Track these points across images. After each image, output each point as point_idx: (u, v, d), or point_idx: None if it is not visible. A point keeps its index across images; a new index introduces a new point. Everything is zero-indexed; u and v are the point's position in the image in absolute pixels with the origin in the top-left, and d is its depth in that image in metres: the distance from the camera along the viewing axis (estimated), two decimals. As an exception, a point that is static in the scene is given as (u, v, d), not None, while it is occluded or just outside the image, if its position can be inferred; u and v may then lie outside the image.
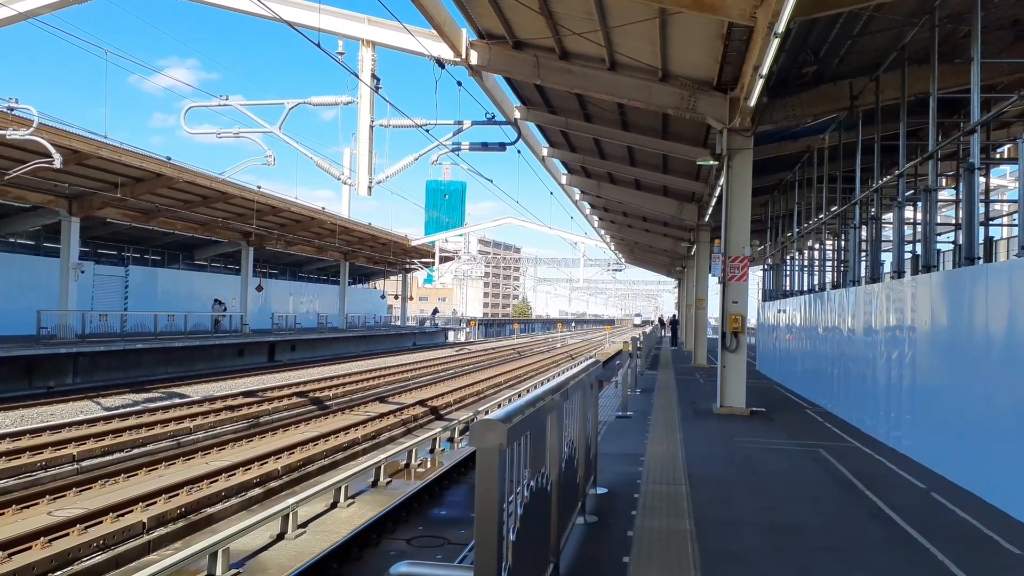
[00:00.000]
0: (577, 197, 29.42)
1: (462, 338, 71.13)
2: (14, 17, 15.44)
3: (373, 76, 14.06)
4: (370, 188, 14.72)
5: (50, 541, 8.69)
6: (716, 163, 14.94)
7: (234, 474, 12.23)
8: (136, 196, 25.83)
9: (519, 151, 17.77)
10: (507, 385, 28.54)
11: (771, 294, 24.13)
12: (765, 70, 9.97)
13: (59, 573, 8.19)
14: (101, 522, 9.45)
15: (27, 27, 16.20)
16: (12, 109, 15.73)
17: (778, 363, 20.85)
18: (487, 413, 11.33)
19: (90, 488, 11.24)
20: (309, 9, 12.95)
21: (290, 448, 14.25)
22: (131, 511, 9.93)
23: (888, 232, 15.21)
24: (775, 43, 8.99)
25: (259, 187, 29.50)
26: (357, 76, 13.87)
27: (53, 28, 30.10)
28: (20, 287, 28.43)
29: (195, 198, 29.07)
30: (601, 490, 7.22)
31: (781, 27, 8.45)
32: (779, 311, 21.08)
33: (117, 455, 13.87)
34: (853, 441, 10.74)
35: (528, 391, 16.11)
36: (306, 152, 16.41)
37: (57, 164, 16.28)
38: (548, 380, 5.45)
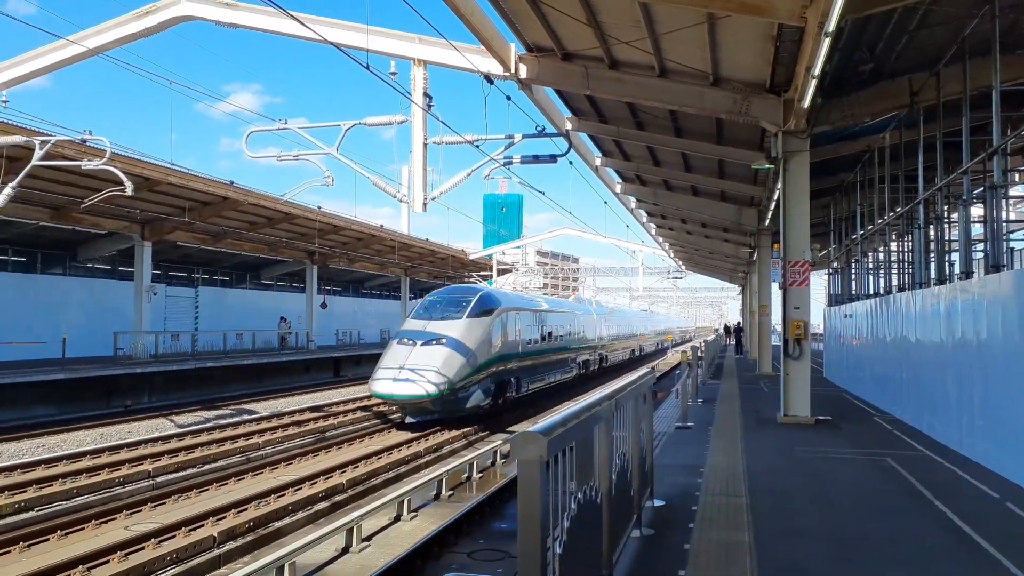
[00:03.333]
0: (633, 205, 29.24)
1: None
2: (85, 53, 16.26)
3: (425, 95, 14.29)
4: (425, 204, 14.94)
5: (127, 555, 9.04)
6: (772, 166, 14.71)
7: (300, 488, 12.50)
8: (204, 219, 26.74)
9: (571, 162, 17.80)
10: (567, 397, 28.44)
11: (837, 299, 23.51)
12: (818, 70, 9.79)
13: (135, 586, 8.52)
14: (174, 536, 9.79)
15: (98, 61, 17.00)
16: (86, 140, 16.49)
17: (845, 369, 20.28)
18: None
19: (164, 503, 11.65)
20: (357, 31, 13.27)
21: (355, 462, 14.51)
22: (202, 525, 10.26)
23: (956, 232, 14.69)
24: (826, 42, 8.83)
25: (319, 207, 30.19)
26: (408, 96, 14.12)
27: (122, 62, 31.53)
28: (98, 310, 29.69)
29: (260, 219, 29.91)
30: (658, 503, 7.15)
31: (832, 26, 8.29)
32: (845, 316, 20.51)
33: (190, 471, 14.33)
34: (923, 449, 10.38)
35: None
36: (363, 171, 16.76)
37: (129, 191, 16.97)
38: (597, 391, 5.45)
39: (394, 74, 14.22)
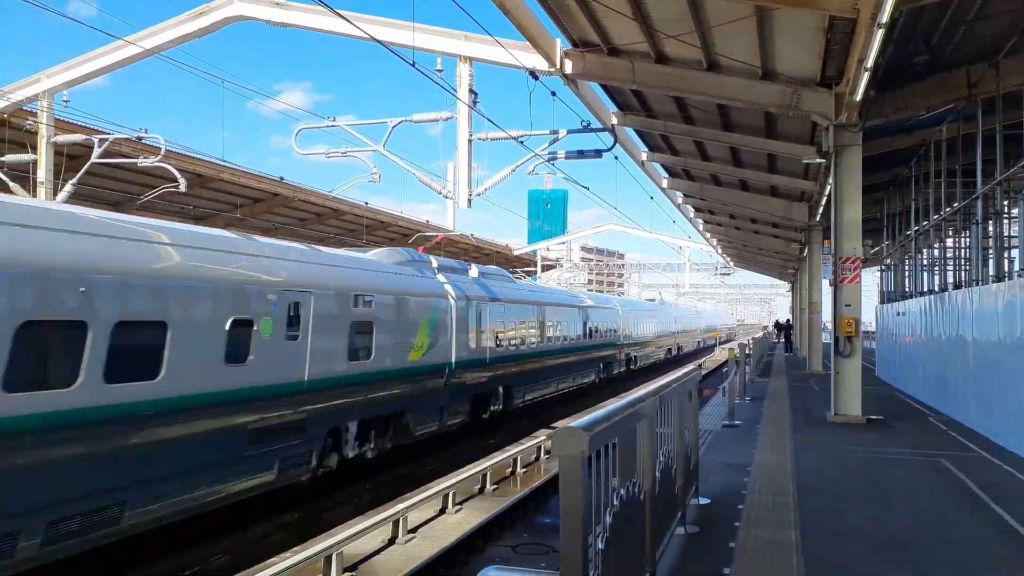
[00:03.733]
0: (680, 200, 28.93)
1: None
2: (142, 53, 16.72)
3: (470, 91, 14.36)
4: (470, 200, 15.02)
5: (183, 548, 9.30)
6: (823, 161, 14.42)
7: (348, 480, 12.70)
8: (255, 215, 27.30)
9: (616, 157, 17.70)
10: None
11: (890, 296, 22.97)
12: (870, 63, 9.59)
13: (187, 573, 8.75)
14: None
15: (154, 61, 17.47)
16: (141, 139, 16.96)
17: (898, 368, 19.81)
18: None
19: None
20: (404, 29, 13.40)
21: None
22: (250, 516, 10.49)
23: (1016, 228, 14.22)
24: (879, 34, 8.64)
25: (367, 203, 30.57)
26: (454, 93, 14.20)
27: (177, 62, 32.34)
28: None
29: (309, 215, 30.41)
30: (703, 500, 7.10)
31: (885, 17, 8.12)
32: (898, 313, 20.03)
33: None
34: (980, 451, 10.09)
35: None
36: (408, 168, 16.92)
37: (183, 188, 17.38)
38: (642, 387, 5.43)
39: (440, 71, 14.32)
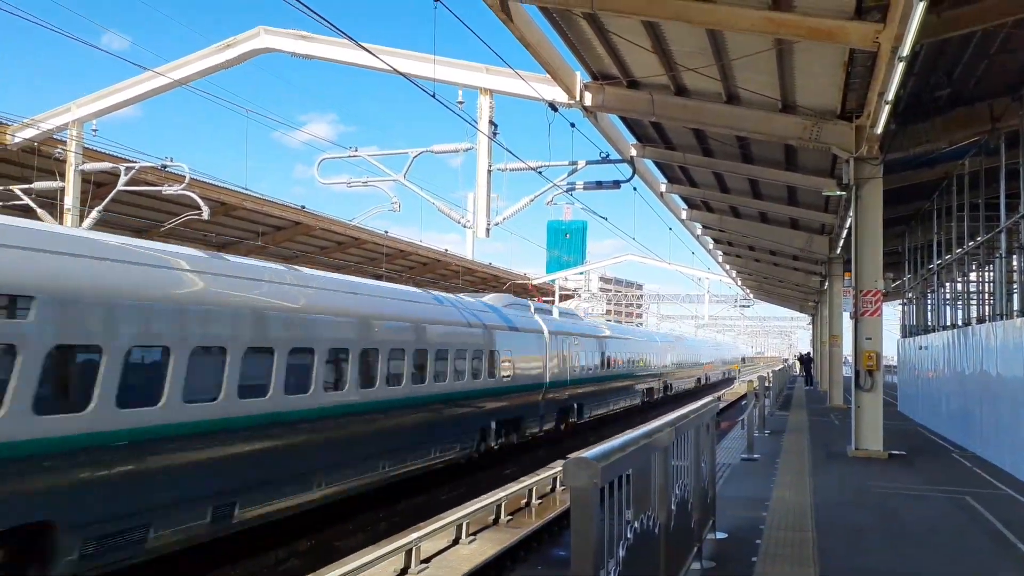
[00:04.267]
0: (699, 232, 28.88)
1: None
2: (171, 84, 17.07)
3: (491, 123, 14.49)
4: (488, 230, 15.09)
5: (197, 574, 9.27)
6: (843, 193, 14.36)
7: (360, 508, 12.63)
8: (277, 243, 27.56)
9: (635, 188, 17.73)
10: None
11: (912, 330, 22.68)
12: (891, 96, 9.57)
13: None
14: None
15: (182, 92, 17.83)
16: (166, 167, 17.25)
17: (921, 403, 19.49)
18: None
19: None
20: (425, 61, 13.58)
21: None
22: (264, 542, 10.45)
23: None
24: (900, 68, 8.64)
25: (387, 232, 30.80)
26: (474, 124, 14.34)
27: (204, 92, 32.90)
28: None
29: (330, 244, 30.66)
30: (720, 535, 6.99)
31: (906, 51, 8.12)
32: (921, 347, 19.77)
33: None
34: (1006, 488, 9.87)
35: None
36: (428, 197, 17.05)
37: (206, 215, 17.63)
38: (656, 419, 5.39)
39: (461, 103, 14.47)
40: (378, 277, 37.79)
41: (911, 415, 20.35)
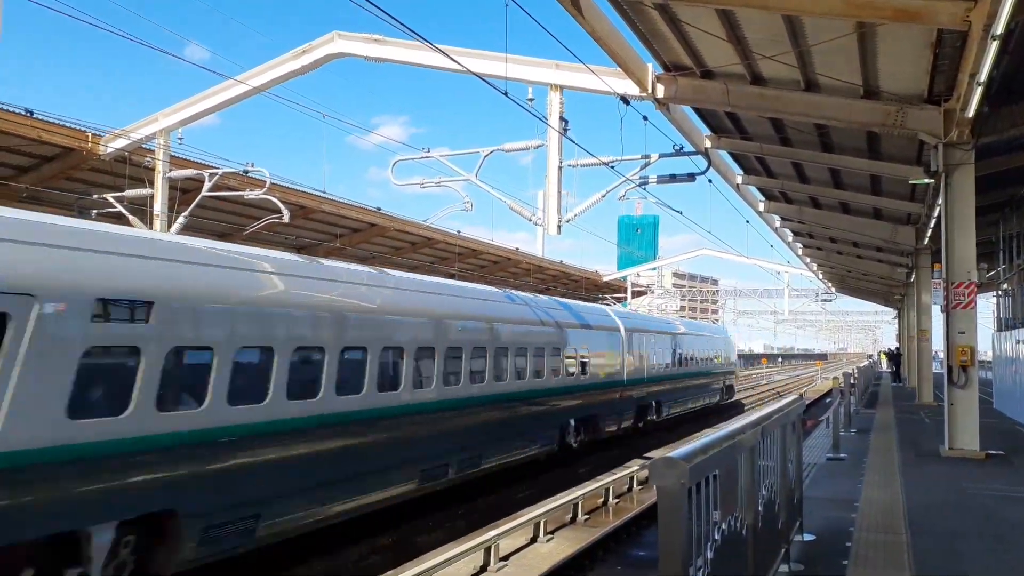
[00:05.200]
0: (777, 224, 28.13)
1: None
2: (249, 91, 17.57)
3: (561, 118, 14.41)
4: (559, 227, 15.02)
5: (279, 570, 9.53)
6: (931, 181, 13.76)
7: (438, 506, 12.77)
8: (353, 245, 28.16)
9: (710, 180, 17.38)
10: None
11: (1008, 323, 21.57)
12: (984, 77, 9.10)
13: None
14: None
15: (260, 99, 18.34)
16: (247, 172, 17.81)
17: (1019, 400, 18.51)
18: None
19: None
20: (496, 60, 13.59)
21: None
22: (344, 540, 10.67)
23: None
24: (994, 46, 8.20)
25: (459, 232, 31.07)
26: (545, 121, 14.29)
27: (281, 98, 33.77)
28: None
29: (404, 244, 31.14)
30: (808, 537, 6.77)
31: (1000, 28, 7.71)
32: (1018, 341, 18.77)
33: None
34: (1118, 491, 9.27)
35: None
36: (499, 196, 17.08)
37: (286, 219, 18.12)
38: (739, 418, 5.25)
39: (531, 100, 14.42)
40: (450, 276, 38.27)
41: (1009, 413, 19.36)
